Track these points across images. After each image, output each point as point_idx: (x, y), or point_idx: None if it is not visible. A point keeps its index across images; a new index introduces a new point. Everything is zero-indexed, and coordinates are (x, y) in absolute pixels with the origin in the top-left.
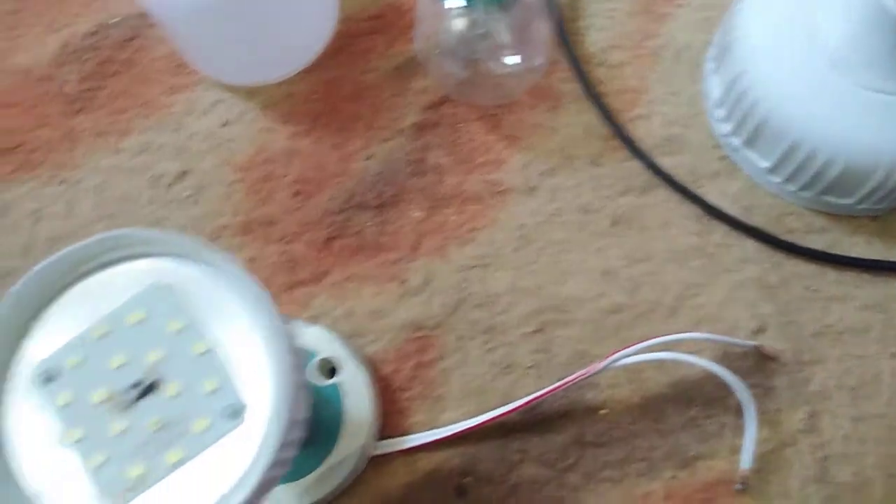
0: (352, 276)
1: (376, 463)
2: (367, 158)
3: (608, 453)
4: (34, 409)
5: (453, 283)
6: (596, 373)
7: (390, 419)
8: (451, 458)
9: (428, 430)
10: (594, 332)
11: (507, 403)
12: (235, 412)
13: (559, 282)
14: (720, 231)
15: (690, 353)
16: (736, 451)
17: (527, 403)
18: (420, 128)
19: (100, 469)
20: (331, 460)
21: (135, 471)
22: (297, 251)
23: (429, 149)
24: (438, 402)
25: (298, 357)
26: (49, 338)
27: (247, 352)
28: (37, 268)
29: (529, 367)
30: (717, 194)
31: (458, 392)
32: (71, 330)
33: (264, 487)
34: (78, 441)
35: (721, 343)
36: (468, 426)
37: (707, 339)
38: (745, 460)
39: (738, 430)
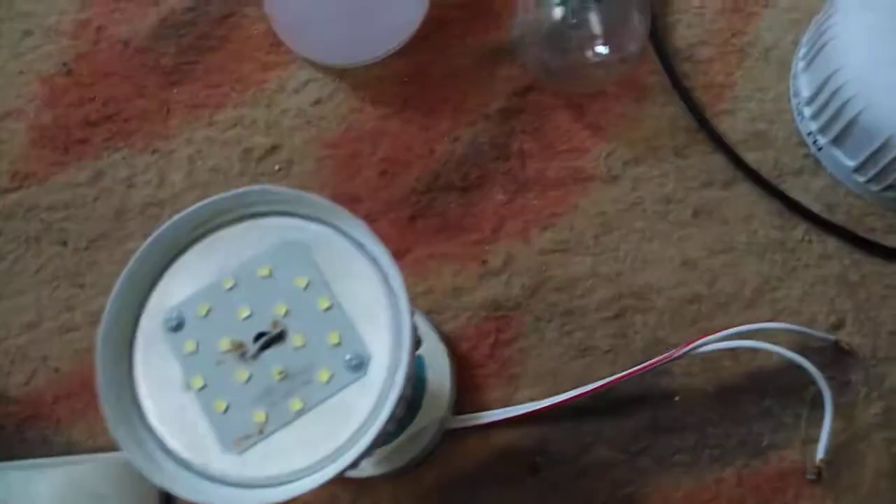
0: (433, 255)
1: (451, 437)
2: (454, 141)
3: (681, 439)
4: (162, 355)
5: (533, 265)
6: (675, 359)
7: (466, 395)
8: (525, 437)
9: (503, 407)
10: (672, 321)
11: (582, 385)
12: (359, 364)
13: (639, 269)
14: (801, 227)
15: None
16: (808, 441)
17: (602, 386)
18: (506, 113)
19: (222, 416)
20: (411, 430)
21: (256, 417)
22: (381, 228)
23: (514, 134)
24: (514, 381)
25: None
26: (179, 287)
27: (369, 309)
28: (177, 217)
29: (606, 352)
30: (800, 191)
31: (534, 372)
32: (200, 280)
33: (380, 439)
34: (202, 388)
35: (800, 335)
36: (543, 406)
37: (788, 330)
38: (821, 450)
39: (812, 422)
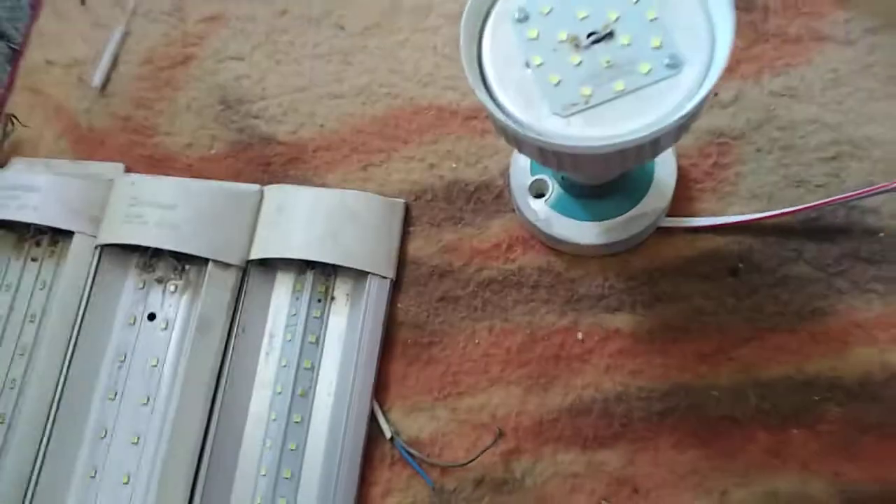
0: None
1: (662, 234)
2: None
3: (879, 269)
4: (509, 38)
5: (761, 104)
6: (886, 191)
7: (680, 203)
8: (730, 244)
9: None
10: (886, 169)
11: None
12: (674, 64)
13: (861, 123)
14: None
15: None
16: None
17: (811, 207)
18: None
19: (555, 87)
20: (634, 212)
21: (584, 91)
22: None
23: None
24: (726, 198)
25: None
26: None
27: (690, 28)
28: None
29: (818, 186)
30: None
31: (747, 193)
32: None
33: (681, 130)
34: (539, 65)
35: None
36: (752, 217)
37: None
38: None
39: None
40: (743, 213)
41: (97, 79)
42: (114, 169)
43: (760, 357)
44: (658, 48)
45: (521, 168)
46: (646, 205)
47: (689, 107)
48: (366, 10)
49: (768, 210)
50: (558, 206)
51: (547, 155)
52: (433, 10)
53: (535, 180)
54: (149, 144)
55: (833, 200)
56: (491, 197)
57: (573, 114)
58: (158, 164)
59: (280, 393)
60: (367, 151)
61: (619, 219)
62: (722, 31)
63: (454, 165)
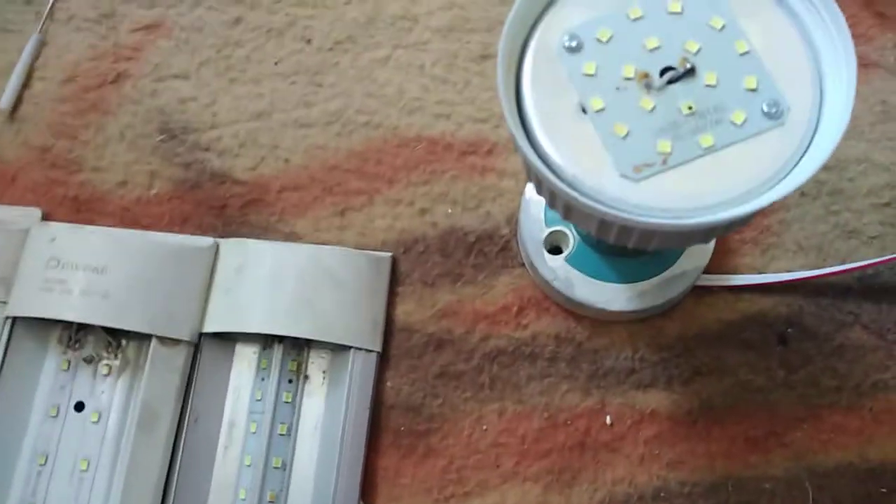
0: None
1: (700, 294)
2: None
3: None
4: (557, 72)
5: None
6: None
7: (717, 258)
8: (777, 306)
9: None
10: None
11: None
12: (776, 113)
13: None
14: None
15: None
16: None
17: (869, 265)
18: None
19: (621, 140)
20: (670, 272)
21: (661, 147)
22: None
23: None
24: (770, 251)
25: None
26: (576, 11)
27: (789, 62)
28: None
29: (873, 238)
30: None
31: (793, 244)
32: (600, 7)
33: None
34: (600, 111)
35: None
36: (801, 276)
37: None
38: None
39: None
40: (790, 270)
41: (5, 100)
42: (28, 215)
43: (817, 441)
44: (754, 91)
45: (533, 217)
46: (684, 263)
47: (807, 172)
48: (337, 20)
49: (818, 265)
50: (579, 264)
51: (610, 227)
52: (418, 21)
53: (552, 232)
54: (72, 183)
55: (891, 259)
56: (495, 249)
57: (647, 177)
58: (84, 207)
59: (244, 500)
60: (344, 193)
61: (652, 280)
62: (830, 61)
63: (450, 210)
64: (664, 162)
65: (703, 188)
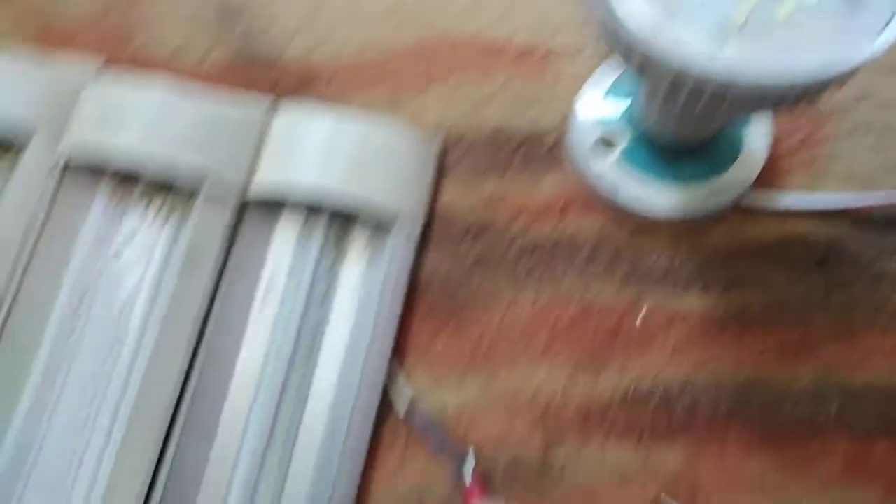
0: None
1: (744, 212)
2: None
3: None
4: None
5: (859, 76)
6: None
7: (764, 180)
8: (820, 229)
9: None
10: None
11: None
12: None
13: None
14: None
15: None
16: None
17: None
18: None
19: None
20: (720, 180)
21: (743, 7)
22: None
23: None
24: (818, 179)
25: None
26: None
27: None
28: None
29: None
30: None
31: (841, 174)
32: None
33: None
34: None
35: None
36: (848, 203)
37: None
38: None
39: None
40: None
41: None
42: (87, 66)
43: (849, 359)
44: None
45: (588, 116)
46: (733, 173)
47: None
48: None
49: (867, 194)
50: (630, 159)
51: (684, 82)
52: None
53: (608, 127)
54: (127, 51)
55: None
56: (544, 149)
57: (733, 35)
58: (140, 71)
59: (274, 356)
60: (397, 84)
61: (700, 185)
62: None
63: (501, 111)
64: (746, 23)
65: (783, 52)
